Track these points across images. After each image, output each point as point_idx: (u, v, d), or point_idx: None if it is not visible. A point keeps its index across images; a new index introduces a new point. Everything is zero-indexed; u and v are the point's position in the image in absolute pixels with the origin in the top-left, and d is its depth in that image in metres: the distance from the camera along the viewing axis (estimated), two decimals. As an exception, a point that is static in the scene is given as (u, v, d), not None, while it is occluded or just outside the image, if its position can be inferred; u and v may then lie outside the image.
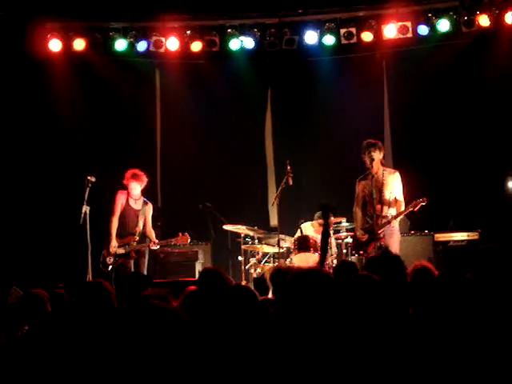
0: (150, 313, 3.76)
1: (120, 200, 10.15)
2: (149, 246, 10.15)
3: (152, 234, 10.25)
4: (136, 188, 10.13)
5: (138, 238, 10.12)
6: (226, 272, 9.55)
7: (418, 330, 3.39)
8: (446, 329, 3.36)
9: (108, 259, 10.02)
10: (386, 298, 3.28)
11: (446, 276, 3.73)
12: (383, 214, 9.32)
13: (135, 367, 2.88)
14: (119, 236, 10.13)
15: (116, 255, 10.04)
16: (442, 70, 12.08)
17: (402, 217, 9.49)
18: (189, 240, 10.37)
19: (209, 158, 12.79)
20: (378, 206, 9.30)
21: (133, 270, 10.03)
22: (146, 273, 10.09)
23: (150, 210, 10.31)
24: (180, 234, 10.24)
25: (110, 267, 10.03)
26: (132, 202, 10.19)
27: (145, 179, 10.17)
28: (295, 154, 11.60)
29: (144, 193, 10.41)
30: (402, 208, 9.33)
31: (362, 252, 9.51)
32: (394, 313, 3.47)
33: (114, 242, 10.04)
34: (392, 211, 9.36)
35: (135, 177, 10.08)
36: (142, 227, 10.18)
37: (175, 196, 12.92)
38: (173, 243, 10.49)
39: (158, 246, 10.26)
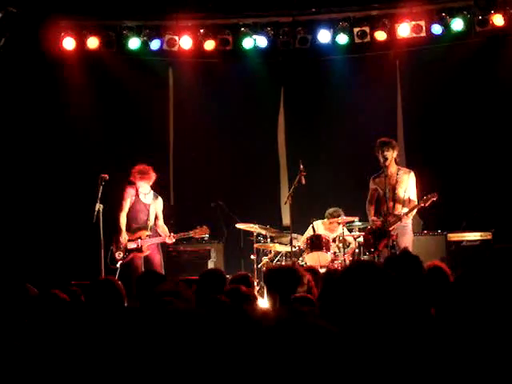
0: (163, 313, 3.75)
1: (129, 195, 10.03)
2: (164, 240, 10.07)
3: (165, 228, 10.15)
4: (144, 187, 10.01)
5: (150, 232, 10.04)
6: (238, 270, 9.61)
7: (441, 330, 3.38)
8: (467, 330, 3.35)
9: (117, 254, 9.85)
10: (407, 296, 3.27)
11: (466, 277, 3.70)
12: (396, 212, 9.32)
13: (144, 368, 2.87)
14: (130, 231, 10.01)
15: (126, 250, 9.93)
16: (456, 69, 12.03)
17: (414, 214, 9.48)
18: (208, 232, 10.24)
19: (221, 156, 12.81)
20: (391, 204, 9.31)
21: (143, 267, 9.85)
22: (163, 270, 9.97)
23: (160, 204, 10.19)
24: (198, 227, 10.18)
25: (119, 263, 9.87)
26: (142, 197, 10.07)
27: (152, 175, 10.01)
28: (308, 153, 11.61)
29: (157, 190, 10.38)
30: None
31: (372, 250, 9.51)
32: (416, 312, 3.46)
33: (125, 235, 9.89)
34: (405, 210, 9.35)
35: (141, 175, 9.93)
36: (153, 221, 10.11)
37: (188, 194, 12.93)
38: (190, 236, 10.34)
39: (174, 240, 10.13)
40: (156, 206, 10.12)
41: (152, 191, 10.17)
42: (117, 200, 10.21)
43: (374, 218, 9.54)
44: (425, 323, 3.43)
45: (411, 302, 3.18)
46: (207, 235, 10.49)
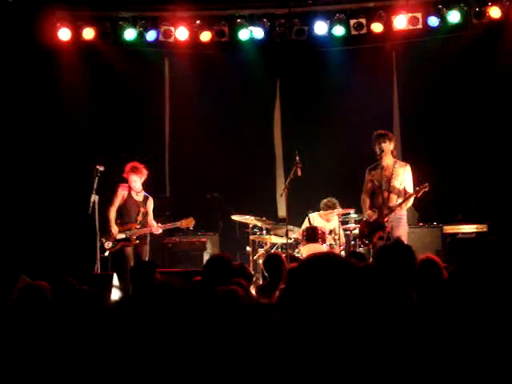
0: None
1: (121, 192, 10.12)
2: (151, 231, 10.14)
3: (154, 224, 10.23)
4: (136, 181, 10.07)
5: (139, 226, 10.11)
6: (234, 262, 9.59)
7: (423, 317, 3.39)
8: (460, 322, 3.36)
9: (106, 244, 9.95)
10: (390, 285, 3.26)
11: (460, 271, 3.70)
12: (390, 204, 9.31)
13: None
14: (121, 224, 10.12)
15: (115, 240, 10.02)
16: (452, 61, 12.03)
17: (409, 206, 9.47)
18: (193, 222, 10.32)
19: (217, 148, 12.78)
20: (386, 196, 9.30)
21: (132, 257, 10.01)
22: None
23: (151, 203, 10.30)
24: (184, 218, 10.25)
25: (107, 252, 9.97)
26: (134, 194, 10.17)
27: (144, 172, 10.11)
28: (304, 145, 11.58)
29: (152, 183, 10.40)
30: (411, 200, 9.32)
31: (367, 242, 9.51)
32: (399, 300, 3.46)
33: (115, 227, 10.03)
34: (399, 202, 9.35)
35: (134, 170, 10.03)
36: (142, 218, 10.17)
37: (183, 186, 12.93)
38: (177, 226, 10.42)
39: (161, 230, 10.26)
40: (147, 205, 10.22)
41: (143, 192, 10.21)
42: (112, 192, 10.22)
43: (370, 212, 9.52)
44: (407, 313, 3.44)
45: (384, 293, 3.17)
46: (192, 226, 10.52)
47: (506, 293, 3.95)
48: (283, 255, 7.63)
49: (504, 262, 4.63)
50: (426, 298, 4.31)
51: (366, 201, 9.65)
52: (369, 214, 9.52)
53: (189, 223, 10.31)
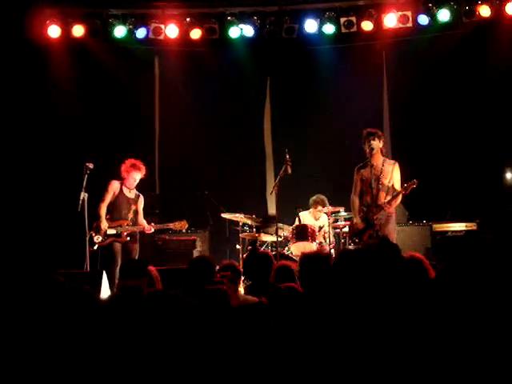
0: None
1: (113, 188, 10.08)
2: (144, 229, 10.12)
3: (144, 222, 10.22)
4: (137, 177, 10.06)
5: (130, 223, 10.10)
6: (224, 260, 9.59)
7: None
8: (440, 317, 3.37)
9: (96, 238, 9.91)
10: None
11: (448, 270, 3.70)
12: (379, 202, 9.32)
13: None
14: (110, 220, 10.07)
15: (105, 235, 9.99)
16: (442, 60, 12.07)
17: (398, 204, 9.48)
18: (186, 226, 10.33)
19: (207, 145, 12.79)
20: (376, 194, 9.30)
21: (120, 254, 9.96)
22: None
23: (142, 201, 10.27)
24: (178, 220, 10.24)
25: (96, 246, 9.92)
26: (126, 191, 10.13)
27: (144, 169, 10.15)
28: (294, 143, 11.59)
29: (142, 181, 10.39)
30: (400, 198, 9.33)
31: (357, 240, 9.51)
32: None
33: (105, 222, 9.98)
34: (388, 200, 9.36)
35: (135, 167, 10.03)
36: (133, 215, 10.16)
37: (173, 183, 12.92)
38: (169, 227, 10.44)
39: (153, 230, 10.24)
40: (138, 203, 10.21)
41: (135, 190, 10.20)
42: (102, 189, 10.21)
43: (358, 221, 9.50)
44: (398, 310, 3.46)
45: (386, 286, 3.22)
46: (185, 229, 10.54)
47: (496, 290, 3.96)
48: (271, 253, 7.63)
49: (494, 260, 4.64)
50: (411, 296, 4.32)
51: (355, 202, 9.62)
52: (356, 223, 9.54)
53: (182, 226, 10.31)
